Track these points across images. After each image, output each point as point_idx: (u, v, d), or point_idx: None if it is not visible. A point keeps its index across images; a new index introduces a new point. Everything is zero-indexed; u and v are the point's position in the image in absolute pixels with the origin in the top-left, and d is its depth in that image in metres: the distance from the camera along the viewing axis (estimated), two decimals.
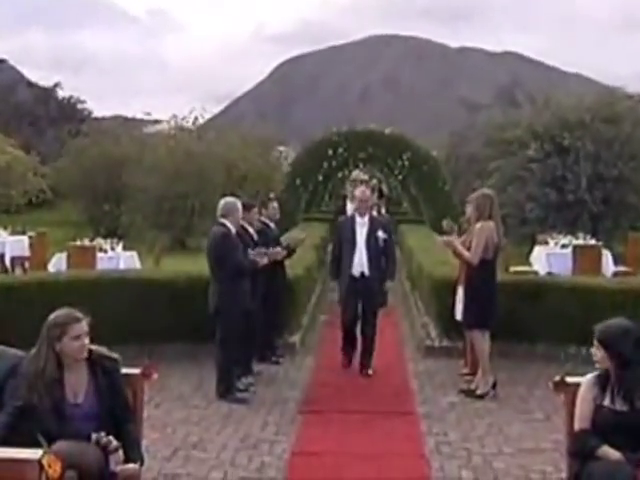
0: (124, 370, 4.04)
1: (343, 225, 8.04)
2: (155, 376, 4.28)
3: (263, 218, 8.40)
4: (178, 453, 5.60)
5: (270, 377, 7.87)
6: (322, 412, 6.62)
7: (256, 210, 7.94)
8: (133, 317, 8.38)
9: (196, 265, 9.68)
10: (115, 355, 3.96)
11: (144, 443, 4.58)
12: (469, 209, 7.22)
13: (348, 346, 8.09)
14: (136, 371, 4.17)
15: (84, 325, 3.78)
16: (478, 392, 7.08)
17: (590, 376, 3.86)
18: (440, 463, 5.41)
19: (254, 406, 6.82)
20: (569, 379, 4.01)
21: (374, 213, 14.39)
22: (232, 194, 8.49)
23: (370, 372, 7.80)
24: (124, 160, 25.82)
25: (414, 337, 9.77)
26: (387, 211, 17.91)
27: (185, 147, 23.97)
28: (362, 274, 7.70)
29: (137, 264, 12.24)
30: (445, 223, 7.53)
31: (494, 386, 7.11)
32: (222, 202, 7.13)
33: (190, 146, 23.95)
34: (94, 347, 3.87)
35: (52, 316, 3.78)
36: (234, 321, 6.97)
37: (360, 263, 7.69)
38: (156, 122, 36.49)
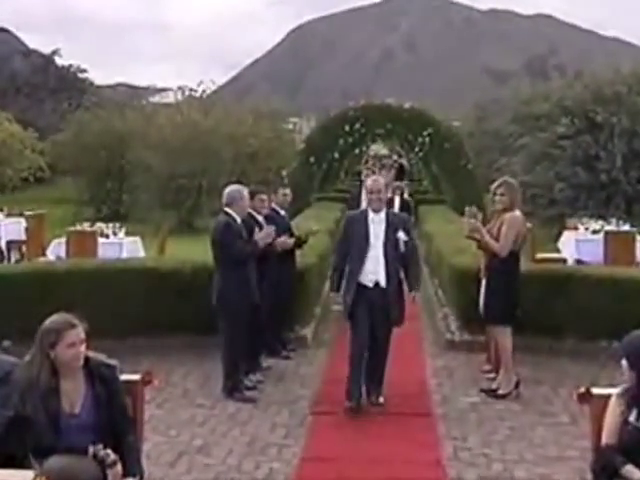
0: (123, 377, 4.06)
1: (353, 221, 6.81)
2: (156, 382, 4.32)
3: (273, 205, 8.39)
4: (182, 458, 5.66)
5: (280, 373, 7.91)
6: (334, 413, 6.64)
7: (264, 197, 7.91)
8: (136, 309, 8.48)
9: (204, 249, 9.68)
10: (113, 362, 3.98)
11: (145, 447, 4.65)
12: (499, 198, 7.13)
13: (357, 372, 6.70)
14: (136, 377, 4.19)
15: (80, 331, 3.80)
16: (500, 392, 7.08)
17: (620, 388, 3.84)
18: (458, 470, 5.44)
19: (262, 406, 6.87)
20: (595, 390, 3.98)
21: (396, 198, 14.33)
22: (238, 181, 8.46)
23: (381, 400, 6.80)
24: (128, 136, 25.83)
25: (433, 329, 9.78)
26: (410, 195, 17.86)
27: (192, 122, 23.94)
28: (377, 284, 6.62)
29: (141, 250, 12.28)
30: (467, 210, 7.41)
31: (517, 385, 7.11)
32: (226, 190, 7.14)
33: (198, 121, 23.92)
34: (91, 354, 3.89)
35: (46, 322, 3.80)
36: (240, 313, 6.99)
37: (374, 270, 6.59)
38: (162, 90, 36.43)
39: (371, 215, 6.70)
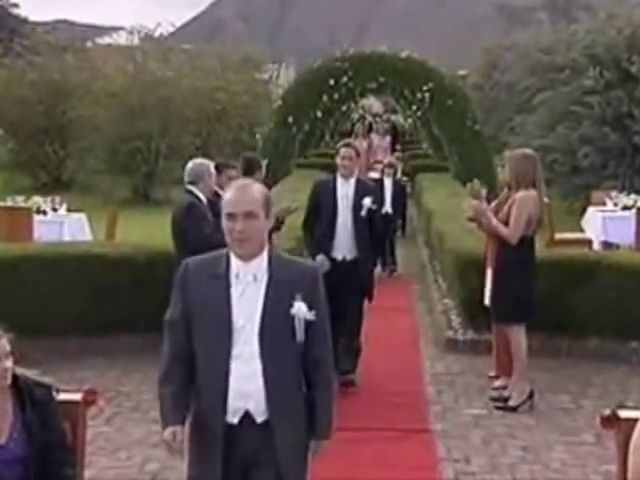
0: (61, 396, 4.00)
1: (199, 295, 3.74)
2: (101, 403, 4.29)
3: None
4: None
5: None
6: None
7: (234, 173, 7.85)
8: (81, 303, 8.42)
9: (162, 227, 9.61)
10: (48, 380, 3.92)
11: (89, 474, 4.64)
12: (506, 173, 7.17)
13: None
14: (76, 397, 4.14)
15: (4, 343, 3.72)
16: (511, 403, 7.10)
17: None
18: None
19: None
20: (623, 413, 3.95)
21: (387, 180, 14.08)
22: (204, 155, 8.40)
23: None
24: (70, 87, 25.57)
25: (432, 326, 9.79)
26: (405, 173, 17.84)
27: (149, 72, 23.75)
28: (247, 419, 3.61)
29: (86, 230, 12.23)
30: (470, 186, 7.39)
31: (531, 395, 7.13)
32: (190, 165, 7.11)
33: (155, 71, 23.73)
34: (20, 371, 3.83)
35: None
36: None
37: (242, 391, 3.58)
38: (112, 29, 35.99)
39: (234, 280, 3.70)
